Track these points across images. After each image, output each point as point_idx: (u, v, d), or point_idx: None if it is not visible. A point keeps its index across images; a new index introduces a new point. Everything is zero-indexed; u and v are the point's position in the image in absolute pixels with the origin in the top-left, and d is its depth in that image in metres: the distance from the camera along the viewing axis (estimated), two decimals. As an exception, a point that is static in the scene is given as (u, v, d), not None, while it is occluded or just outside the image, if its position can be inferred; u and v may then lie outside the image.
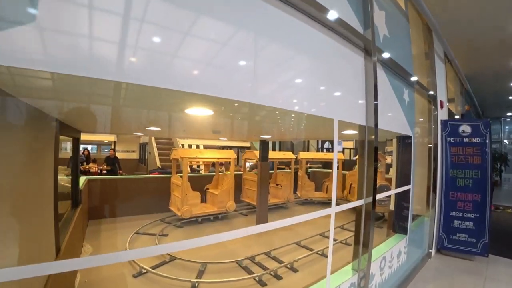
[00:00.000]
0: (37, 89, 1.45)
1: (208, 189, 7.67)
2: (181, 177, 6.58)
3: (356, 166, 8.78)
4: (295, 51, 2.05)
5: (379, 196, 2.93)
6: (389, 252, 3.48)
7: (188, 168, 11.51)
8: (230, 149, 16.69)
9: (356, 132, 3.78)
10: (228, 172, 7.53)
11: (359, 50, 2.74)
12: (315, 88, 2.26)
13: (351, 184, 8.34)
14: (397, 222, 4.26)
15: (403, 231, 4.14)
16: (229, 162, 7.25)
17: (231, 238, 1.77)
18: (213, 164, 10.48)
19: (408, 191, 4.08)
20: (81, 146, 13.85)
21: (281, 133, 5.00)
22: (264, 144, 6.44)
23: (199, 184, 7.71)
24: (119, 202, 7.21)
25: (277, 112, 2.35)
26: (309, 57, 2.18)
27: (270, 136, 5.27)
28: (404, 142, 4.24)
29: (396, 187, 4.19)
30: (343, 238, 5.76)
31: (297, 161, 9.52)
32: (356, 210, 2.87)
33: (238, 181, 8.40)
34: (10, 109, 1.67)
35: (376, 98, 2.78)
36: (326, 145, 15.93)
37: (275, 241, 5.72)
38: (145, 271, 4.24)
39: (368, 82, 2.80)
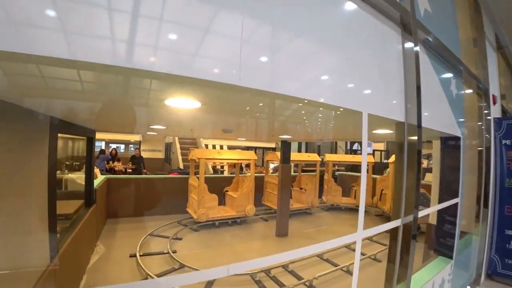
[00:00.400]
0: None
1: (227, 191, 7.21)
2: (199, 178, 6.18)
3: (388, 170, 7.91)
4: (315, 24, 1.50)
5: (422, 214, 2.26)
6: (431, 283, 2.74)
7: (211, 169, 11.22)
8: (255, 150, 16.25)
9: (390, 131, 3.10)
10: (248, 174, 7.02)
11: (395, 25, 2.09)
12: (340, 74, 1.68)
13: (382, 190, 7.50)
14: (440, 241, 3.50)
15: (447, 253, 3.37)
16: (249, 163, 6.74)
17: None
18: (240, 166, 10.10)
19: (455, 204, 3.31)
20: (110, 145, 14.12)
21: (304, 133, 4.40)
22: (285, 145, 5.85)
23: (219, 186, 7.29)
24: (137, 202, 6.98)
25: (300, 105, 1.81)
26: (332, 32, 1.61)
27: (290, 136, 4.67)
28: (449, 144, 3.47)
29: (440, 198, 3.43)
30: (371, 253, 5.02)
31: (323, 164, 8.81)
32: (392, 231, 2.20)
33: (260, 184, 7.88)
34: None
35: (418, 88, 2.12)
36: (355, 146, 14.92)
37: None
38: (151, 278, 3.89)
39: (408, 67, 2.15)
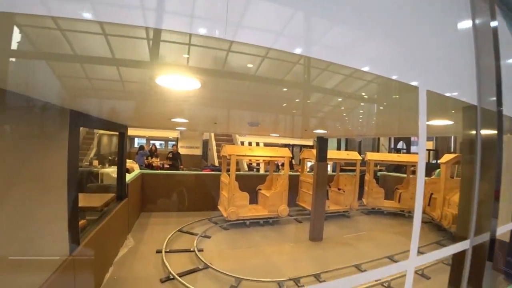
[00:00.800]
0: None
1: (260, 190, 6.81)
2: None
3: (438, 171, 6.93)
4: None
5: (502, 231, 1.64)
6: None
7: (246, 167, 10.91)
8: (292, 148, 15.66)
9: (448, 122, 2.45)
10: (283, 173, 6.56)
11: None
12: (391, 37, 1.17)
13: (432, 193, 6.57)
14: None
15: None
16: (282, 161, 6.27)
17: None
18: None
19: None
20: (151, 142, 14.50)
21: (342, 127, 3.82)
22: (321, 142, 5.29)
23: (252, 184, 6.93)
24: (170, 197, 6.92)
25: (339, 81, 1.37)
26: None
27: (325, 131, 4.12)
28: None
29: None
30: (418, 268, 4.30)
31: (364, 163, 8.02)
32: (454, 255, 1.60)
33: (296, 183, 7.37)
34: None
35: (498, 59, 1.51)
36: (400, 145, 13.62)
37: (330, 259, 4.57)
38: (172, 277, 3.72)
39: (480, 32, 1.55)
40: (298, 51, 1.00)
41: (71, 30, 0.90)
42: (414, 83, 1.20)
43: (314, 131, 4.19)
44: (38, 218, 2.16)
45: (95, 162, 8.06)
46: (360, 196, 7.54)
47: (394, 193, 7.74)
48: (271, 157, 6.26)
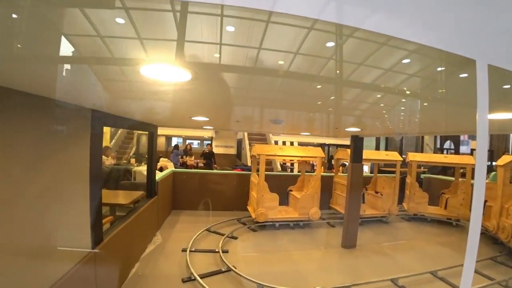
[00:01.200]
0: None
1: (291, 191, 6.48)
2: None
3: (493, 174, 6.04)
4: None
5: None
6: None
7: (279, 167, 10.61)
8: (328, 147, 15.03)
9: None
10: (314, 174, 6.18)
11: None
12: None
13: (486, 201, 5.73)
14: None
15: None
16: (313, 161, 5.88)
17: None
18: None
19: None
20: (187, 141, 14.81)
21: (379, 123, 3.37)
22: (356, 141, 4.84)
23: (283, 184, 6.64)
24: (200, 196, 6.86)
25: (374, 55, 1.10)
26: None
27: (359, 129, 3.68)
28: None
29: None
30: (502, 279, 3.73)
31: (406, 164, 7.29)
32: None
33: (329, 185, 6.93)
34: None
35: None
36: (447, 144, 12.29)
37: (363, 270, 4.12)
38: (194, 277, 3.59)
39: None
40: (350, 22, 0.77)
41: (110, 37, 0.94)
42: (470, 56, 0.84)
43: (347, 130, 3.78)
44: (60, 211, 2.23)
45: (132, 161, 8.31)
46: (400, 201, 6.84)
47: (439, 198, 6.91)
48: (302, 157, 5.90)
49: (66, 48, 1.00)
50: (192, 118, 3.41)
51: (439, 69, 1.22)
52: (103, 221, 3.98)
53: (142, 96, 2.23)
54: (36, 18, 0.79)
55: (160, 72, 1.29)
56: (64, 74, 1.40)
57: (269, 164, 10.96)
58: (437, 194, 7.06)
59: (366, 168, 10.99)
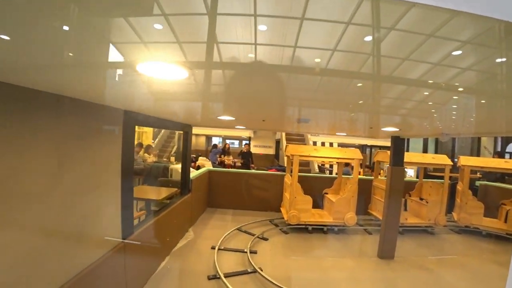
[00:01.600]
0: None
1: (326, 193, 6.17)
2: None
3: None
4: None
5: None
6: None
7: (316, 168, 10.24)
8: (370, 149, 14.21)
9: None
10: (351, 177, 5.80)
11: None
12: None
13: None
14: None
15: None
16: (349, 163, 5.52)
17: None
18: (347, 164, 8.78)
19: None
20: (227, 141, 15.02)
21: (423, 121, 2.98)
22: (397, 142, 4.42)
23: (318, 187, 6.37)
24: (234, 195, 6.90)
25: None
26: None
27: (397, 129, 3.30)
28: None
29: None
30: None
31: (457, 169, 6.52)
32: None
33: (368, 189, 6.48)
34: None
35: None
36: (510, 148, 10.68)
37: (400, 284, 3.73)
38: (218, 276, 3.56)
39: None
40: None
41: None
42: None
43: (383, 129, 3.42)
44: (94, 201, 2.37)
45: (172, 159, 8.60)
46: (450, 210, 6.13)
47: (499, 209, 6.04)
48: (338, 158, 5.57)
49: (112, 55, 1.08)
50: (218, 117, 3.36)
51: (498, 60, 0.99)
52: (136, 214, 4.13)
53: (171, 97, 2.28)
54: (83, 28, 0.85)
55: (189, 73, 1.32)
56: (106, 79, 1.54)
57: (307, 165, 10.64)
58: (496, 204, 6.18)
59: (412, 172, 10.13)
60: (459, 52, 0.93)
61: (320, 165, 10.70)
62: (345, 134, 6.61)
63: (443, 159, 6.11)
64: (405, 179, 7.20)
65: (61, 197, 1.97)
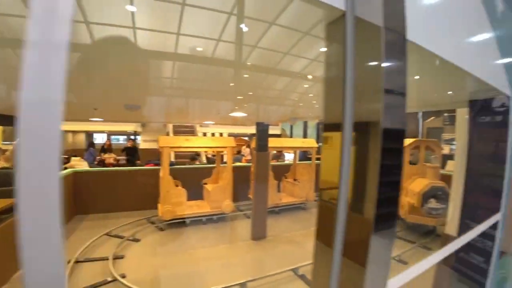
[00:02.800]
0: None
1: (205, 184, 5.97)
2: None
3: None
4: None
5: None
6: None
7: (205, 159, 10.01)
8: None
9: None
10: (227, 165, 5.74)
11: None
12: None
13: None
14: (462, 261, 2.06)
15: (477, 278, 1.94)
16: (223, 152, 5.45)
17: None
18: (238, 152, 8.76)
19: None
20: (111, 137, 13.38)
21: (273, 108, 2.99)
22: (260, 129, 4.50)
23: (198, 177, 6.09)
24: (107, 197, 6.03)
25: None
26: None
27: (245, 114, 3.29)
28: (487, 110, 1.97)
29: (465, 195, 1.96)
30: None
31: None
32: None
33: (248, 175, 6.56)
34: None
35: None
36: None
37: (268, 263, 3.83)
38: None
39: None
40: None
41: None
42: None
43: (231, 114, 3.36)
44: None
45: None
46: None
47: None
48: (211, 147, 5.42)
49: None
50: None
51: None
52: None
53: None
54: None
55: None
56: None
57: (196, 157, 10.30)
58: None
59: (291, 156, 10.98)
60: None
61: (211, 156, 10.51)
62: (213, 122, 6.51)
63: (311, 143, 6.68)
64: (284, 163, 7.69)
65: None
